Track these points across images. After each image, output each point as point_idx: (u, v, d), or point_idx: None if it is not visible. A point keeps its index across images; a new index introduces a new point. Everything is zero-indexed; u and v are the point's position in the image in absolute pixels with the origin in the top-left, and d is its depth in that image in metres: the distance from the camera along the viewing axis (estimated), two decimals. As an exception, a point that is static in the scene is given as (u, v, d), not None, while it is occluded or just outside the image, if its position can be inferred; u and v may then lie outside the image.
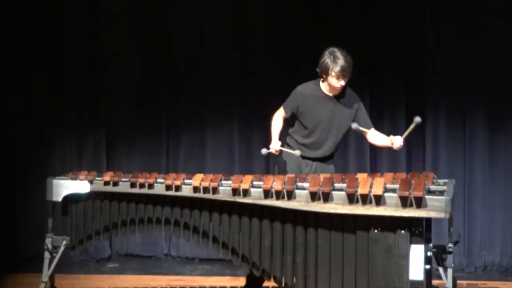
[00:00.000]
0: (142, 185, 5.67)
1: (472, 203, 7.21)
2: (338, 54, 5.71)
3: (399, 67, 7.30)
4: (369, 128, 5.94)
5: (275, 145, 5.82)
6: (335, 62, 5.69)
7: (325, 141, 5.89)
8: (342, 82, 5.75)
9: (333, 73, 5.71)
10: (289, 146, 5.96)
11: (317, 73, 5.79)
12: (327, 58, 5.72)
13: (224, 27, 7.48)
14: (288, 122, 5.98)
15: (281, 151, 5.83)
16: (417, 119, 5.58)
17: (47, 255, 5.96)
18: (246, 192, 5.35)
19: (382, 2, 7.28)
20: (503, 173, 7.20)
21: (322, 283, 5.18)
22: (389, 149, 7.30)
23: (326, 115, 5.85)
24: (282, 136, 5.91)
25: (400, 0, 7.26)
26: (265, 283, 6.31)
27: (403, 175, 5.49)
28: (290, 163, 5.92)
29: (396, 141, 5.73)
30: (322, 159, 5.92)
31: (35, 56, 7.55)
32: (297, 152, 5.73)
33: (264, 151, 5.77)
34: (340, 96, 5.85)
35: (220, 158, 7.50)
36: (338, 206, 5.11)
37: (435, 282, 5.65)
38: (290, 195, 5.23)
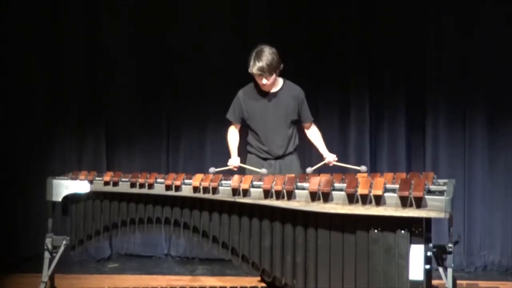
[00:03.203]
0: (142, 185, 5.67)
1: (472, 203, 7.21)
2: (261, 53, 5.87)
3: (399, 67, 7.30)
4: (307, 121, 6.10)
5: (233, 161, 6.00)
6: (254, 61, 5.88)
7: (273, 138, 5.98)
8: (265, 81, 5.88)
9: (254, 72, 5.87)
10: (251, 154, 6.07)
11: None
12: (250, 57, 5.91)
13: (224, 27, 7.48)
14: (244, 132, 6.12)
15: (242, 167, 5.93)
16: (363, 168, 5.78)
17: (47, 255, 5.96)
18: (246, 192, 5.35)
19: (382, 2, 7.28)
20: (503, 173, 7.19)
21: (322, 283, 5.18)
22: (389, 149, 7.36)
23: (263, 112, 5.98)
24: (241, 149, 6.08)
25: (400, 0, 7.25)
26: (257, 283, 6.34)
27: (403, 175, 5.49)
28: (254, 166, 5.97)
29: (330, 159, 5.99)
30: (283, 156, 6.00)
31: (35, 56, 7.55)
32: (263, 171, 5.76)
33: (212, 170, 5.79)
34: (278, 90, 5.98)
35: (220, 158, 7.48)
36: (338, 206, 5.11)
37: (435, 282, 5.65)
38: (290, 195, 5.23)
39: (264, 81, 5.88)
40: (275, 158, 6.00)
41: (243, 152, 6.21)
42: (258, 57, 5.86)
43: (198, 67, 7.53)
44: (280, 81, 6.03)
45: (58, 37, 7.56)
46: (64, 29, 7.56)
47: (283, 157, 6.01)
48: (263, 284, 6.07)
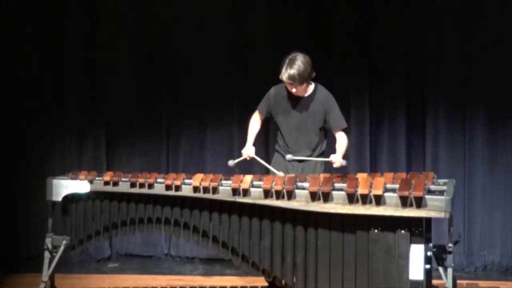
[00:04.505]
0: (142, 185, 5.68)
1: (472, 203, 7.21)
2: (294, 61, 5.77)
3: (399, 67, 7.29)
4: (336, 129, 5.94)
5: (248, 150, 5.94)
6: (285, 69, 5.77)
7: (297, 141, 5.92)
8: (294, 90, 5.81)
9: (284, 79, 5.79)
10: (277, 153, 6.03)
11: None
12: (283, 63, 5.80)
13: (224, 27, 7.48)
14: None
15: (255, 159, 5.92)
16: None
17: (47, 255, 5.96)
18: (246, 192, 5.36)
19: (382, 3, 7.28)
20: (503, 173, 7.19)
21: (322, 283, 5.18)
22: (389, 149, 7.36)
23: (289, 115, 5.91)
24: (258, 141, 6.08)
25: (400, 0, 7.25)
26: (257, 283, 6.33)
27: (403, 175, 5.50)
28: (277, 168, 5.92)
29: (334, 159, 5.80)
30: (307, 160, 5.93)
31: (35, 56, 7.55)
32: (280, 174, 5.72)
33: (231, 162, 5.80)
34: (308, 96, 5.90)
35: (220, 158, 7.49)
36: (338, 206, 5.11)
37: (435, 282, 5.65)
38: (290, 195, 5.24)
39: (294, 89, 5.81)
40: (298, 161, 5.96)
41: (260, 143, 6.20)
42: (290, 65, 5.75)
43: (198, 67, 7.53)
44: (312, 87, 5.94)
45: (58, 37, 7.56)
46: (64, 29, 7.56)
47: (307, 161, 5.96)
48: (265, 283, 6.06)
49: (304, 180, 5.33)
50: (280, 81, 5.91)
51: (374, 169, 7.26)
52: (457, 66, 7.20)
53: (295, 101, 5.92)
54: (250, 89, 7.40)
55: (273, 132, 6.21)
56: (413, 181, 5.06)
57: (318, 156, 5.95)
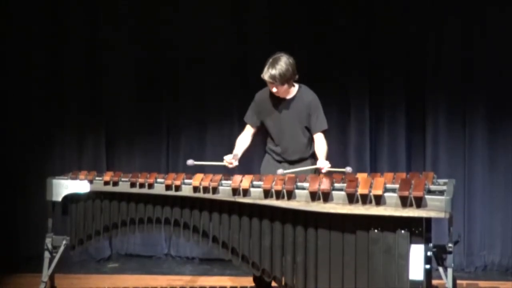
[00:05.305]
0: (142, 185, 5.67)
1: (472, 203, 7.21)
2: (277, 61, 5.74)
3: (399, 67, 7.29)
4: (316, 131, 5.89)
5: (228, 157, 5.88)
6: (267, 69, 5.75)
7: (287, 143, 5.90)
8: (274, 89, 5.79)
9: (265, 79, 5.77)
10: (268, 155, 6.00)
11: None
12: (266, 62, 5.78)
13: (224, 27, 7.48)
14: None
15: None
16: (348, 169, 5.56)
17: (47, 255, 5.96)
18: (246, 192, 5.35)
19: (382, 3, 7.28)
20: (503, 173, 7.19)
21: (322, 283, 5.18)
22: (389, 149, 7.36)
23: (276, 117, 5.89)
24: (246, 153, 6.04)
25: (400, 0, 7.25)
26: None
27: (403, 175, 5.49)
28: (268, 169, 5.92)
29: (322, 165, 5.73)
30: (297, 162, 5.92)
31: (35, 56, 7.55)
32: (279, 171, 5.64)
33: (190, 162, 5.82)
34: (292, 98, 5.88)
35: (220, 158, 7.49)
36: (338, 206, 5.11)
37: (435, 282, 5.65)
38: (290, 195, 5.23)
39: (274, 89, 5.81)
40: (289, 163, 5.96)
41: (251, 154, 6.20)
42: (273, 65, 5.73)
43: (198, 67, 7.53)
44: (295, 88, 5.92)
45: (58, 37, 7.56)
46: (64, 29, 7.56)
47: (297, 163, 5.93)
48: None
49: (304, 180, 5.33)
50: (266, 85, 5.89)
51: (374, 169, 7.26)
52: (457, 66, 7.20)
53: (280, 103, 5.89)
54: (250, 89, 7.39)
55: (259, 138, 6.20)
56: (413, 181, 5.06)
57: (310, 155, 5.94)
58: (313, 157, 5.93)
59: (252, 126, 6.04)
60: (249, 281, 6.32)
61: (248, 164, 7.38)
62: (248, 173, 5.66)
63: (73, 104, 7.62)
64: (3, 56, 7.51)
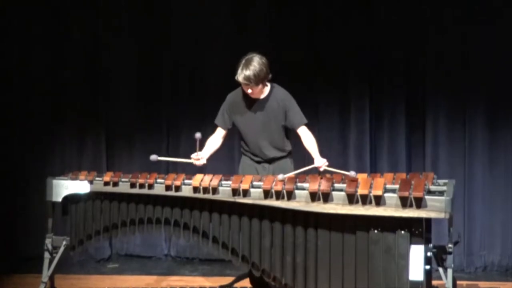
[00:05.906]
0: (142, 186, 5.67)
1: (472, 203, 7.21)
2: (249, 62, 5.71)
3: (399, 67, 7.29)
4: (297, 126, 5.85)
5: (194, 155, 5.86)
6: (241, 70, 5.72)
7: (261, 143, 5.88)
8: (250, 90, 5.77)
9: (239, 80, 5.75)
10: (245, 156, 5.97)
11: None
12: (239, 64, 5.75)
13: (224, 27, 7.48)
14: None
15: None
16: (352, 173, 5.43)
17: (47, 255, 5.96)
18: (246, 192, 5.35)
19: (382, 2, 7.27)
20: (503, 173, 7.19)
21: (322, 283, 5.18)
22: (389, 149, 7.36)
23: (249, 118, 5.86)
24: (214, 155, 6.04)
25: (400, 0, 7.25)
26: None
27: (403, 175, 5.50)
28: (248, 170, 5.90)
29: (319, 164, 5.66)
30: (276, 160, 5.90)
31: (35, 56, 7.55)
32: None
33: (153, 157, 5.84)
34: (265, 97, 5.86)
35: (220, 158, 7.49)
36: (338, 207, 5.11)
37: (435, 282, 5.65)
38: (290, 196, 5.24)
39: (250, 90, 5.78)
40: (268, 162, 5.96)
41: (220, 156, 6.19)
42: (246, 66, 5.70)
43: (198, 67, 7.53)
44: (268, 88, 5.89)
45: (58, 36, 7.56)
46: (64, 28, 7.56)
47: (276, 161, 5.91)
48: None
49: (304, 181, 5.33)
50: (238, 85, 5.87)
51: (374, 169, 7.26)
52: (457, 66, 7.20)
53: (253, 103, 5.87)
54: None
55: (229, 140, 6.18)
56: (413, 182, 5.06)
57: (288, 154, 5.91)
58: (291, 154, 5.93)
59: (223, 128, 6.00)
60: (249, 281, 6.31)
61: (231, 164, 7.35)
62: (231, 173, 5.65)
63: (73, 105, 7.61)
64: (3, 55, 7.51)
